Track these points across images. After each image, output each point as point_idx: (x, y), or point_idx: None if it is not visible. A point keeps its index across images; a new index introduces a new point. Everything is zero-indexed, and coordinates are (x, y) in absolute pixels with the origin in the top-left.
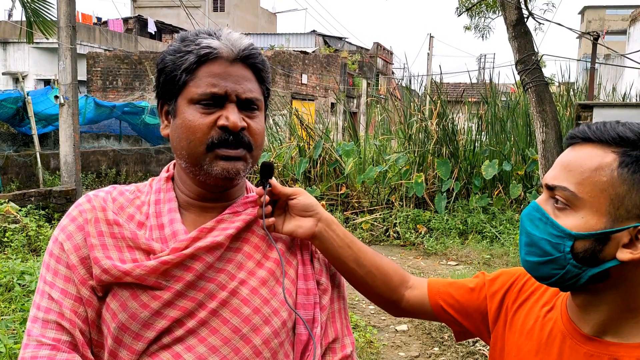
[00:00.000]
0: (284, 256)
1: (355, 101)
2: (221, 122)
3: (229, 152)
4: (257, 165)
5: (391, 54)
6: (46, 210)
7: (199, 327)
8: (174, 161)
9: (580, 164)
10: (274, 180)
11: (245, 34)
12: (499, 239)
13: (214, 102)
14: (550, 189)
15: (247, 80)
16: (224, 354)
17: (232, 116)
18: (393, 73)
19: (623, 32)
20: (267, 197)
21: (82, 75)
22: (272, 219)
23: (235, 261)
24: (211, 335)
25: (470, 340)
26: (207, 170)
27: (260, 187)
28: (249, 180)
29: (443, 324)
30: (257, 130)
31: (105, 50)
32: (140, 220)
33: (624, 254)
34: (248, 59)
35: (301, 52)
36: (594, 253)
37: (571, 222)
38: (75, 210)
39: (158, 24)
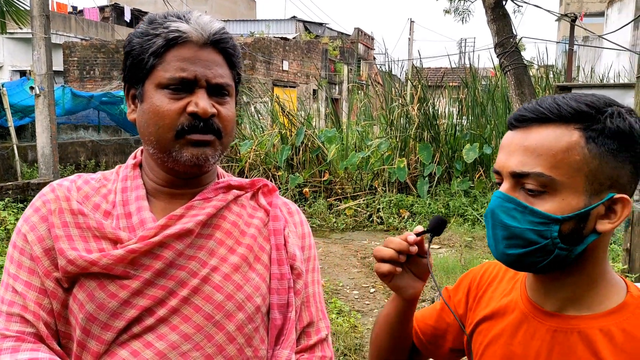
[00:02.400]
0: (257, 242)
1: (337, 87)
2: (191, 108)
3: (198, 136)
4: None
5: (372, 39)
6: (24, 203)
7: (170, 316)
8: (142, 148)
9: (549, 147)
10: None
11: (224, 20)
12: (480, 221)
13: (183, 87)
14: (520, 176)
15: (218, 65)
16: (197, 341)
17: (202, 102)
18: (374, 59)
19: (601, 14)
20: (415, 249)
21: (58, 66)
22: (399, 268)
23: (207, 248)
24: (183, 323)
25: None
26: (176, 157)
27: (423, 236)
28: (231, 171)
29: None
30: (227, 116)
31: (82, 39)
32: (107, 209)
33: (604, 225)
34: (219, 44)
35: (281, 38)
36: (578, 231)
37: (552, 206)
38: (39, 201)
39: (135, 12)
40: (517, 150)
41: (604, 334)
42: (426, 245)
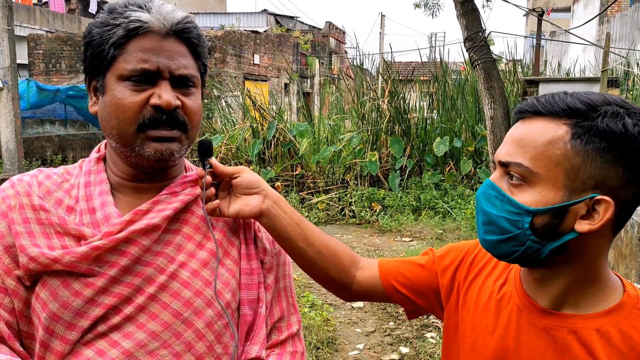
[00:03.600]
0: (226, 236)
1: (309, 81)
2: (153, 100)
3: (162, 132)
4: (195, 145)
5: (343, 33)
6: None
7: (137, 314)
8: (106, 141)
9: (533, 139)
10: (214, 160)
11: (194, 13)
12: (451, 214)
13: (145, 79)
14: (504, 165)
15: (181, 55)
16: (165, 339)
17: (165, 94)
18: (346, 52)
19: (568, 9)
20: (209, 178)
21: (23, 59)
22: (216, 202)
23: (174, 243)
24: (150, 320)
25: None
26: (139, 151)
27: (200, 168)
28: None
29: None
30: (193, 108)
31: (47, 32)
32: (70, 204)
33: (582, 226)
34: (182, 33)
35: (252, 31)
36: (552, 227)
37: (528, 197)
38: None
39: (101, 3)
40: (508, 140)
41: (601, 334)
42: (205, 180)
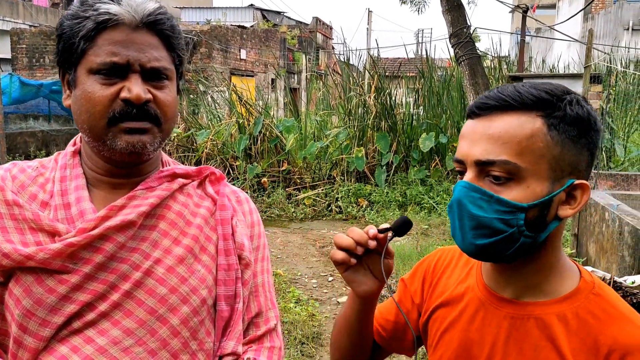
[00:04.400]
0: (203, 232)
1: (296, 77)
2: (123, 94)
3: (132, 124)
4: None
5: (331, 28)
6: None
7: (112, 310)
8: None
9: (514, 134)
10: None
11: (180, 7)
12: (436, 209)
13: (115, 72)
14: (485, 164)
15: (153, 48)
16: (140, 336)
17: (135, 88)
18: (333, 48)
19: (553, 6)
20: (374, 243)
21: (5, 53)
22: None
23: (150, 239)
24: (125, 317)
25: None
26: (111, 145)
27: (386, 234)
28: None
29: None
30: (165, 101)
31: (31, 26)
32: (44, 199)
33: (565, 211)
34: (154, 25)
35: (239, 26)
36: (542, 218)
37: (517, 194)
38: None
39: None
40: (481, 138)
41: (560, 319)
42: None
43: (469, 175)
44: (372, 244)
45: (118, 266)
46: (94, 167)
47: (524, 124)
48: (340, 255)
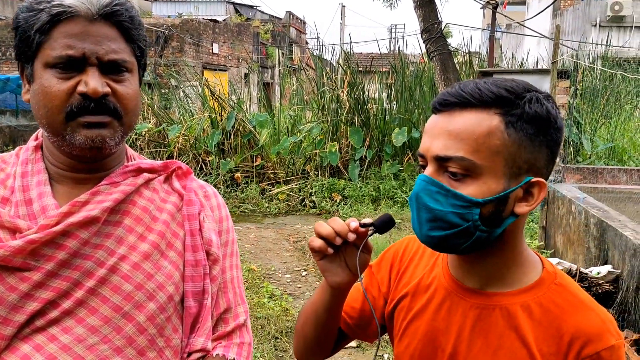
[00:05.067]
0: (169, 228)
1: (269, 71)
2: (80, 88)
3: (90, 118)
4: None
5: (304, 23)
6: None
7: (76, 308)
8: None
9: (471, 131)
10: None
11: (150, 0)
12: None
13: (72, 65)
14: (443, 160)
15: (111, 40)
16: (105, 333)
17: (92, 81)
18: (306, 43)
19: (523, 2)
20: (353, 236)
21: None
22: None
23: (115, 236)
24: (90, 315)
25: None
26: (70, 140)
27: (367, 229)
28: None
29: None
30: (126, 94)
31: None
32: (5, 195)
33: (521, 208)
34: (111, 16)
35: (211, 20)
36: (498, 214)
37: (473, 189)
38: None
39: None
40: (440, 134)
41: (524, 309)
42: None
43: (429, 170)
44: (352, 236)
45: (82, 263)
46: (56, 162)
47: (482, 122)
48: (318, 243)
